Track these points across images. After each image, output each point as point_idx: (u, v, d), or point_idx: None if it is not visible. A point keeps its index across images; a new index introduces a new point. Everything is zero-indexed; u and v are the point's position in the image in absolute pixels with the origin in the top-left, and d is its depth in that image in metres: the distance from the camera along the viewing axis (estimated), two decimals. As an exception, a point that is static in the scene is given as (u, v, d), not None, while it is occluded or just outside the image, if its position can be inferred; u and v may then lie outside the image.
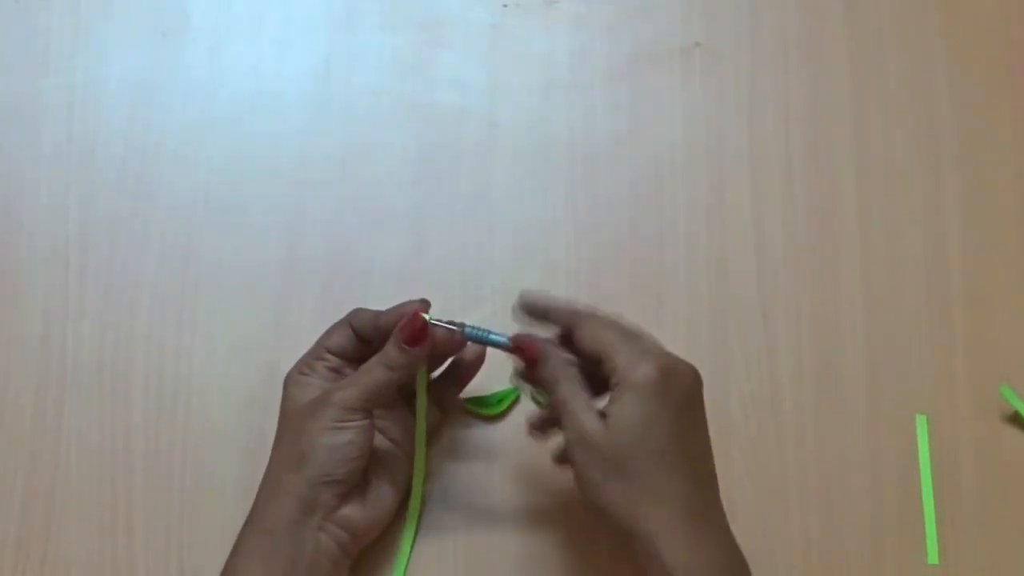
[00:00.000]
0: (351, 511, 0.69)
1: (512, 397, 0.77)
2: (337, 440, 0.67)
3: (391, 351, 0.68)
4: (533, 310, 0.69)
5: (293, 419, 0.69)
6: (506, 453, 0.76)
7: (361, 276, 0.79)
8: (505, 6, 0.85)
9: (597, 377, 0.66)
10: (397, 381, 0.69)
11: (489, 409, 0.77)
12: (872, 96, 0.84)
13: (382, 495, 0.71)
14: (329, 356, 0.71)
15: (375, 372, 0.68)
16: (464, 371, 0.74)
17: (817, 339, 0.79)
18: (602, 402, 0.65)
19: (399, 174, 0.82)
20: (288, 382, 0.71)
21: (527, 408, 0.75)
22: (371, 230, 0.81)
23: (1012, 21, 0.86)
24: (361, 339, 0.71)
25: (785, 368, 0.79)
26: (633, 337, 0.66)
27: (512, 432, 0.76)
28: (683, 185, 0.82)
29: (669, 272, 0.80)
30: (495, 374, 0.76)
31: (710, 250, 0.81)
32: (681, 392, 0.65)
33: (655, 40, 0.85)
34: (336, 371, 0.71)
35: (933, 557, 0.76)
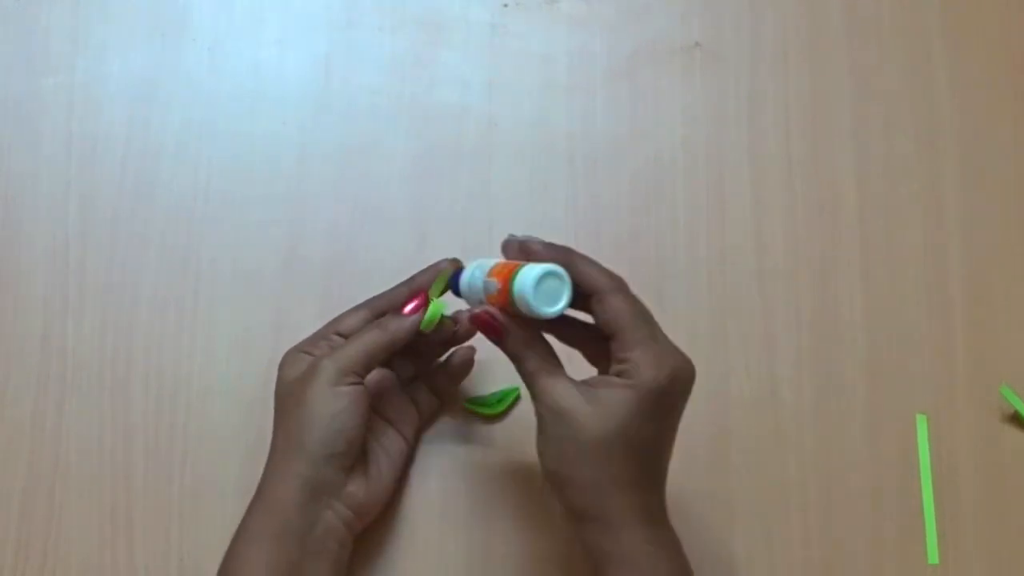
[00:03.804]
0: (355, 488, 0.69)
1: (512, 397, 0.77)
2: (334, 407, 0.67)
3: (388, 318, 0.70)
4: (551, 257, 0.66)
5: (288, 394, 0.70)
6: (506, 453, 0.76)
7: (361, 276, 0.79)
8: (505, 6, 0.85)
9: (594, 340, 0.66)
10: (388, 345, 0.69)
11: (489, 409, 0.77)
12: (872, 96, 0.84)
13: (382, 472, 0.71)
14: (335, 337, 0.71)
15: (368, 334, 0.69)
16: (456, 370, 0.75)
17: (817, 339, 0.79)
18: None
19: (399, 174, 0.82)
20: (283, 361, 0.71)
21: (527, 408, 0.75)
22: (371, 230, 0.81)
23: (1012, 21, 0.86)
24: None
25: (785, 368, 0.79)
26: (652, 331, 0.64)
27: (512, 432, 0.76)
28: (683, 185, 0.82)
29: (669, 272, 0.80)
30: (495, 374, 0.76)
31: (710, 250, 0.81)
32: (678, 398, 0.65)
33: (655, 40, 0.85)
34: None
35: (933, 557, 0.76)
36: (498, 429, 0.77)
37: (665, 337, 0.65)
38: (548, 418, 0.63)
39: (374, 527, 0.72)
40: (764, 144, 0.83)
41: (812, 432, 0.78)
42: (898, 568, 0.76)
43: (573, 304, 0.65)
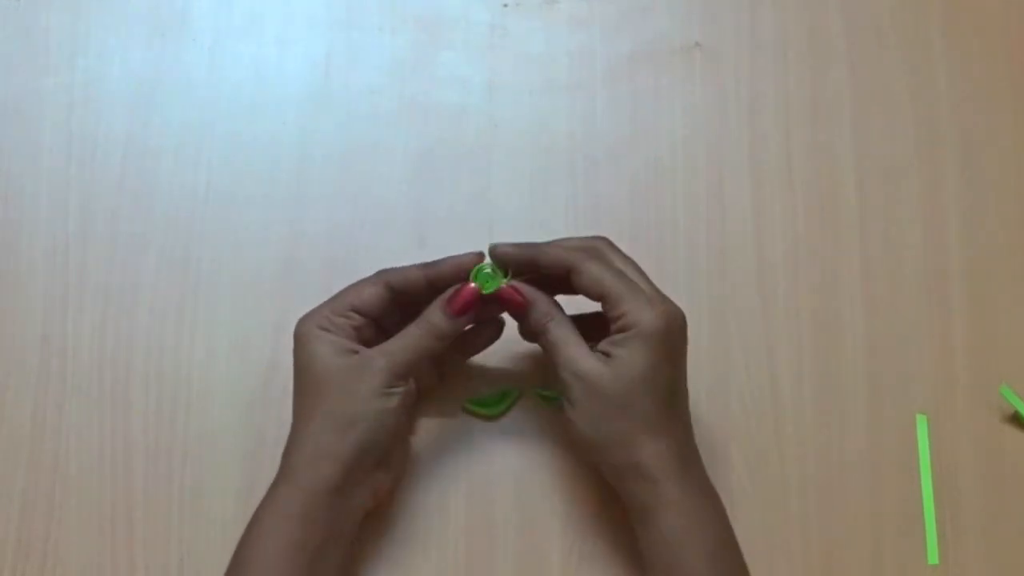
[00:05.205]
0: (381, 474, 0.70)
1: (512, 397, 0.77)
2: (387, 405, 0.68)
3: (440, 320, 0.69)
4: (513, 263, 0.70)
5: (331, 380, 0.68)
6: (506, 453, 0.76)
7: (361, 276, 0.78)
8: (505, 6, 0.85)
9: (589, 321, 0.70)
10: (439, 349, 0.69)
11: (489, 409, 0.77)
12: (872, 96, 0.84)
13: (395, 459, 0.72)
14: (354, 315, 0.70)
15: (424, 340, 0.69)
16: (474, 343, 0.74)
17: (817, 339, 0.79)
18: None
19: (399, 173, 0.82)
20: (307, 336, 0.69)
21: (527, 408, 0.75)
22: (371, 230, 0.81)
23: (1012, 20, 0.86)
24: (398, 297, 0.71)
25: (785, 368, 0.79)
26: (632, 283, 0.68)
27: (512, 432, 0.76)
28: (683, 185, 0.82)
29: (669, 272, 0.80)
30: (495, 374, 0.76)
31: (710, 250, 0.81)
32: (679, 339, 0.69)
33: (655, 40, 0.85)
34: (358, 330, 0.70)
35: (933, 557, 0.76)
36: (498, 429, 0.77)
37: (651, 285, 0.69)
38: (574, 384, 0.67)
39: (372, 528, 0.73)
40: (764, 144, 0.83)
41: (812, 432, 0.78)
42: (898, 568, 0.75)
43: (559, 290, 0.70)
